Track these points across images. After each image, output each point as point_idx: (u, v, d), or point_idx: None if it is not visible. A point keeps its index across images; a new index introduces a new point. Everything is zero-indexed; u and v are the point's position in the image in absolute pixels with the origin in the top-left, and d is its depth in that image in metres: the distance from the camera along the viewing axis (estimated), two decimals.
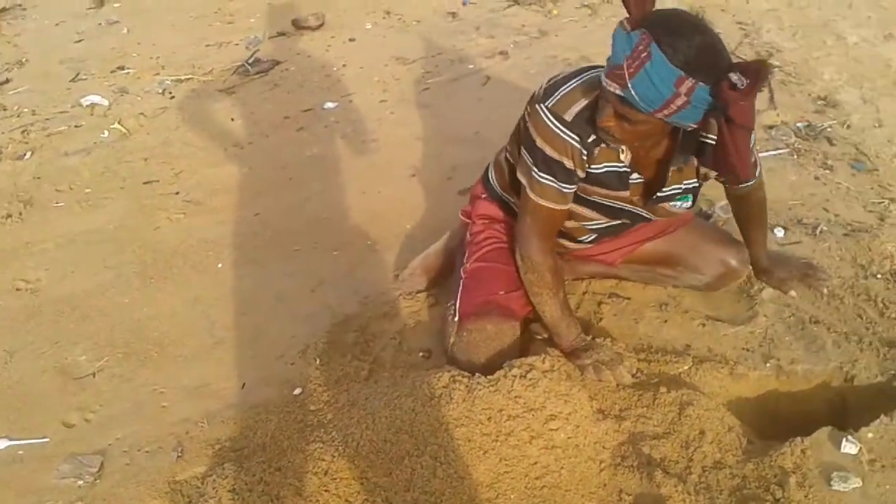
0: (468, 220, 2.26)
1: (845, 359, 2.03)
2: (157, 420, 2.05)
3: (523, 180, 1.89)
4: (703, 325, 2.17)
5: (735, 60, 1.51)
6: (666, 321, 2.20)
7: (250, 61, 4.14)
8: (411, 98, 3.72)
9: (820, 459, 1.74)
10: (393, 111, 3.61)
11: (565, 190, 1.84)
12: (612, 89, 1.55)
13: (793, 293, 2.19)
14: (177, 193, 3.05)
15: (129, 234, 2.81)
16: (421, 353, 2.20)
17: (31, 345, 2.33)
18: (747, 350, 2.08)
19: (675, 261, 2.20)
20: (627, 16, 1.53)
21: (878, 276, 2.32)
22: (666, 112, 1.52)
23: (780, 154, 3.01)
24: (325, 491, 1.75)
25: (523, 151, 1.87)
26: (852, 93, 3.53)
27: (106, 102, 3.81)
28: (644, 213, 1.95)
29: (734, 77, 1.43)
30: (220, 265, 2.62)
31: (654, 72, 1.46)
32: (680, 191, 1.88)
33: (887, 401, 1.91)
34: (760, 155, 2.96)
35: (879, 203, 2.70)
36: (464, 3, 4.83)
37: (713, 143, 1.73)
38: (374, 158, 3.22)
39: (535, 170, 1.82)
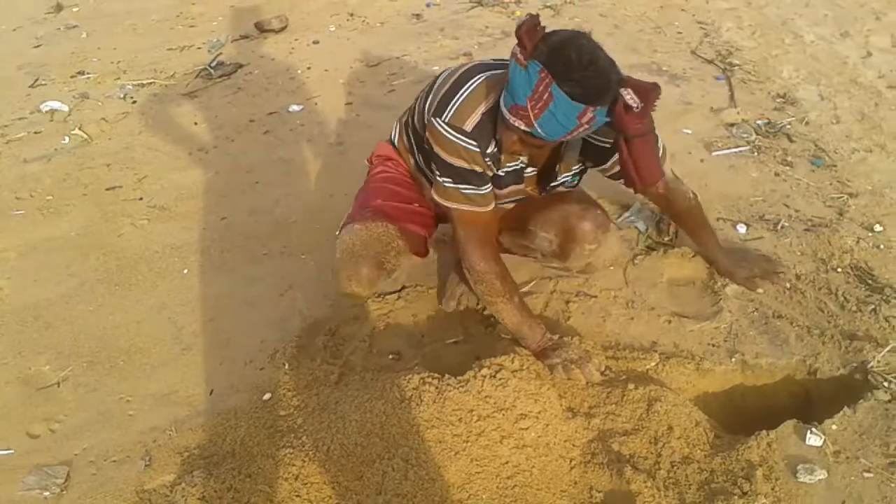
0: (370, 164, 2.29)
1: (808, 352, 2.07)
2: (124, 429, 2.03)
3: (441, 198, 1.89)
4: (669, 321, 2.20)
5: (624, 74, 1.57)
6: (633, 318, 2.22)
7: (213, 65, 4.11)
8: (376, 100, 3.71)
9: (785, 452, 1.77)
10: (358, 113, 3.60)
11: (484, 191, 1.86)
12: (516, 125, 1.60)
13: (760, 290, 2.24)
14: (140, 199, 3.01)
15: (92, 241, 2.77)
16: (391, 356, 2.20)
17: None
18: (713, 345, 2.11)
19: (528, 219, 2.13)
20: (518, 45, 1.56)
21: (839, 269, 2.36)
22: (568, 137, 1.60)
23: (741, 151, 3.05)
24: (297, 496, 1.74)
25: (434, 167, 1.89)
26: (810, 90, 3.60)
27: (66, 108, 3.75)
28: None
29: (627, 97, 1.51)
30: (186, 271, 2.59)
31: (558, 111, 1.53)
32: (569, 177, 1.95)
33: (850, 393, 1.95)
34: (724, 152, 3.03)
35: (838, 198, 2.75)
36: (427, 5, 4.83)
37: (597, 143, 1.82)
38: (340, 161, 3.21)
39: (450, 181, 1.84)
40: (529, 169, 1.91)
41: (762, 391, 2.07)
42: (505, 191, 1.95)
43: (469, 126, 1.76)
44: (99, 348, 2.29)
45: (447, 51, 4.18)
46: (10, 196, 3.06)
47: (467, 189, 1.84)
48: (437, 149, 1.82)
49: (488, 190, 1.88)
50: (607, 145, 1.81)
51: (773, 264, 2.30)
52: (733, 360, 2.06)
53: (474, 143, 1.77)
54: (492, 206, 1.91)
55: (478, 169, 1.81)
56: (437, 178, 1.87)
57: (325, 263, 2.58)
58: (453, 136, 1.77)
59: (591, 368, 1.95)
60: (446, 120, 1.77)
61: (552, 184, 1.94)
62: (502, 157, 1.83)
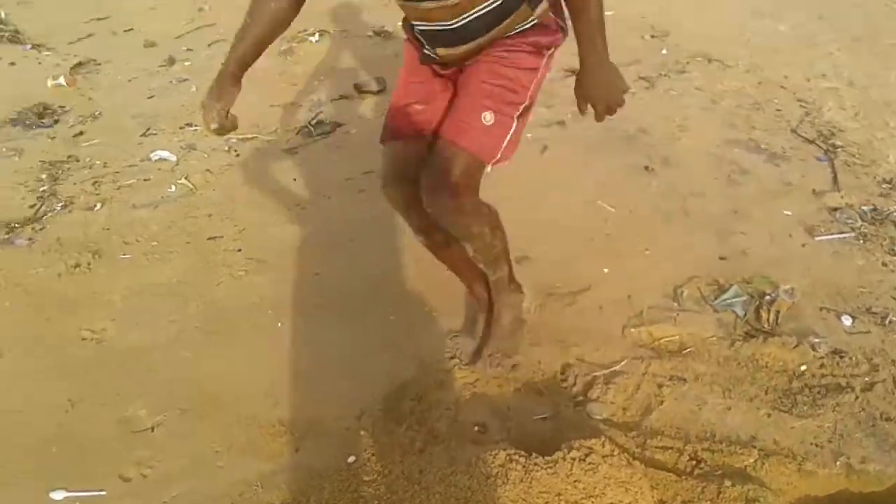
0: None
1: None
2: (213, 479, 2.06)
3: None
4: (769, 415, 2.11)
5: None
6: (730, 408, 2.14)
7: (313, 123, 4.24)
8: None
9: None
10: None
11: None
12: None
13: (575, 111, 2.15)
14: (239, 251, 3.10)
15: (192, 289, 2.86)
16: (476, 427, 2.18)
17: (93, 395, 2.37)
18: (816, 445, 2.01)
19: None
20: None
21: None
22: None
23: (845, 238, 2.96)
24: None
25: None
26: None
27: (174, 158, 3.92)
28: None
29: None
30: (280, 324, 2.65)
31: None
32: None
33: None
34: (828, 237, 2.95)
35: None
36: None
37: None
38: None
39: None
40: None
41: (869, 499, 1.95)
42: None
43: None
44: (193, 396, 2.35)
45: (540, 118, 4.19)
46: (119, 240, 3.20)
47: None
48: None
49: None
50: None
51: (613, 108, 2.08)
52: (838, 463, 1.96)
53: None
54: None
55: None
56: None
57: (413, 324, 2.60)
58: None
59: None
60: None
61: None
62: None
